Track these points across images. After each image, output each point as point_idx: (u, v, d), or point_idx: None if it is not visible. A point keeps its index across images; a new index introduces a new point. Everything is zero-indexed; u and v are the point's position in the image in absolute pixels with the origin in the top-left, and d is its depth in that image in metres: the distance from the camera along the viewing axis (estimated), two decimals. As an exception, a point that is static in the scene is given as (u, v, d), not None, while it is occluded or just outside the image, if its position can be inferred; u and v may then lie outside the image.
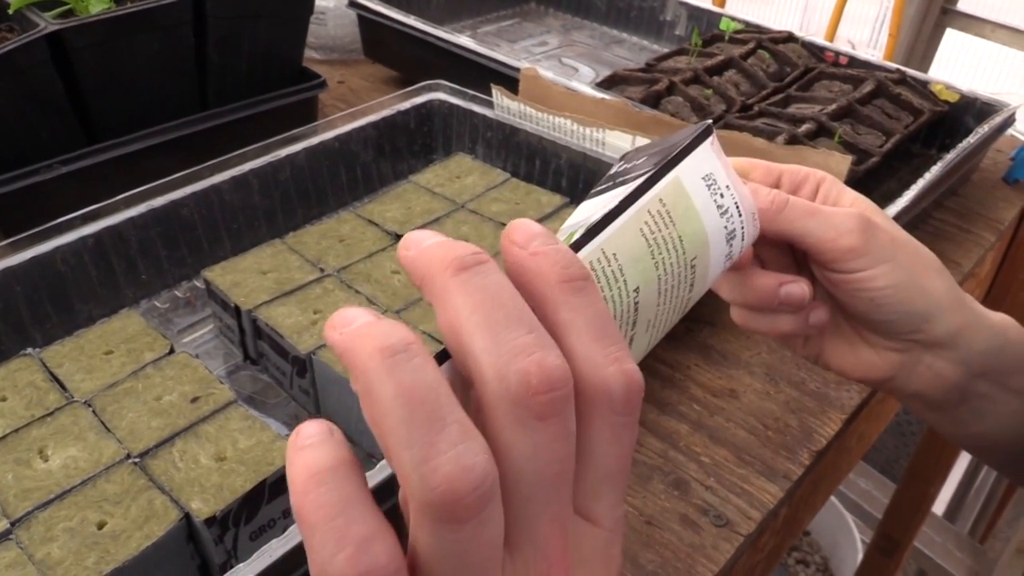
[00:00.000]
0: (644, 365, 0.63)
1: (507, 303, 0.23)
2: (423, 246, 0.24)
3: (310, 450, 0.21)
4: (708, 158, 0.32)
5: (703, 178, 0.32)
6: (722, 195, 0.33)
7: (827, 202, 0.44)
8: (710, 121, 0.33)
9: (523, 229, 0.25)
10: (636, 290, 0.29)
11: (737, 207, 0.33)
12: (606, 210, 0.29)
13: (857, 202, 0.44)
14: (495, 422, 0.22)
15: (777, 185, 0.44)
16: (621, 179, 0.32)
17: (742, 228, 0.33)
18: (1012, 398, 0.46)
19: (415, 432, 0.20)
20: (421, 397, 0.21)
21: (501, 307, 0.22)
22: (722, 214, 0.32)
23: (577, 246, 0.28)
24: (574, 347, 0.23)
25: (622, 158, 0.36)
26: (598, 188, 0.33)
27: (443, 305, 0.23)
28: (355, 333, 0.22)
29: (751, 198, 0.34)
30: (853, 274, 0.42)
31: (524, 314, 0.23)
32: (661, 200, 0.30)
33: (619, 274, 0.28)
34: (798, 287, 0.43)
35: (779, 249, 0.45)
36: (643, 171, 0.31)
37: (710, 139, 0.33)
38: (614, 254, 0.28)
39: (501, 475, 0.22)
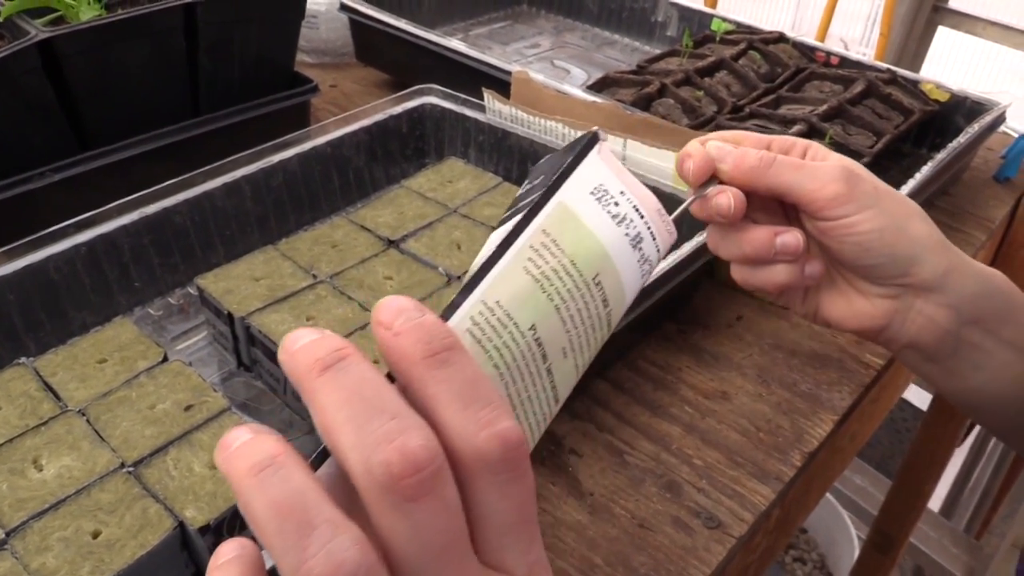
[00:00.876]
0: (635, 367, 0.64)
1: (368, 395, 0.23)
2: (294, 349, 0.24)
3: (219, 571, 0.23)
4: (596, 169, 0.32)
5: (592, 192, 0.31)
6: (617, 203, 0.32)
7: (815, 160, 0.47)
8: (596, 128, 0.33)
9: (387, 308, 0.25)
10: (532, 328, 0.28)
11: (637, 210, 0.32)
12: (485, 257, 0.28)
13: (842, 159, 0.46)
14: (372, 510, 0.23)
15: (767, 150, 0.47)
16: (521, 203, 0.31)
17: (648, 229, 0.32)
18: (1004, 349, 0.47)
19: (288, 540, 0.22)
20: (289, 507, 0.22)
21: (362, 400, 0.23)
22: (619, 222, 0.31)
23: (455, 305, 0.27)
24: (444, 420, 0.24)
25: (528, 176, 0.35)
26: (505, 215, 0.32)
27: (313, 407, 0.24)
28: (231, 456, 0.23)
29: (652, 196, 0.33)
30: (840, 220, 0.45)
31: (386, 402, 0.23)
32: (544, 231, 0.29)
33: (507, 320, 0.28)
34: (792, 236, 0.46)
35: (771, 209, 0.48)
36: (532, 197, 0.30)
37: (597, 147, 0.32)
38: (497, 302, 0.28)
39: (390, 556, 0.23)
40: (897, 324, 0.47)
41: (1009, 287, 0.48)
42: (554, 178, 0.31)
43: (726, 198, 0.44)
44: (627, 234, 0.31)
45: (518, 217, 0.30)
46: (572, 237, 0.30)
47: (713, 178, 0.46)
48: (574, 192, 0.31)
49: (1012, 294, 0.48)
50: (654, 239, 0.32)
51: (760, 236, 0.46)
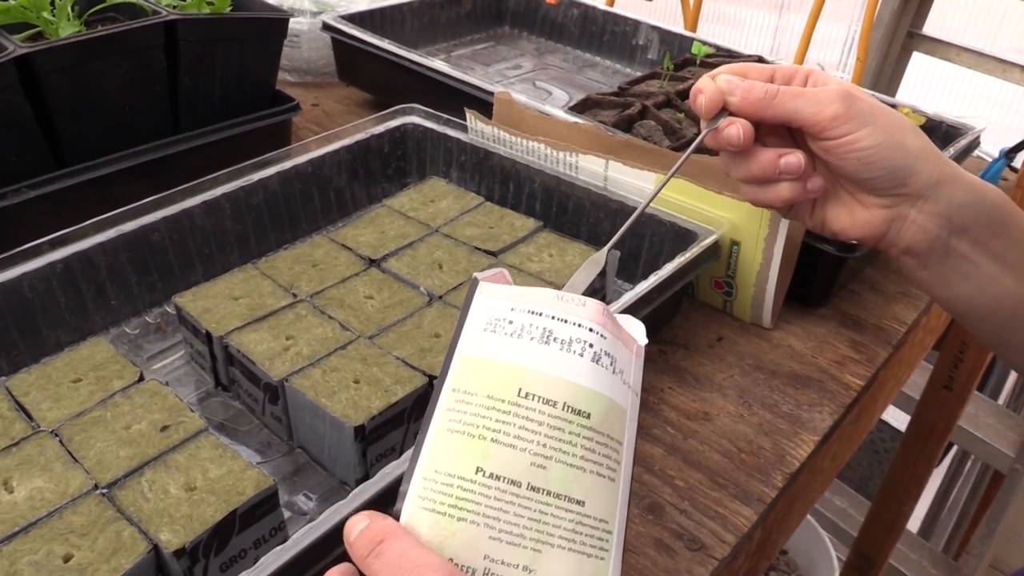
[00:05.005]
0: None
1: None
2: None
3: None
4: (483, 308, 0.34)
5: (485, 328, 0.33)
6: (511, 321, 0.33)
7: (815, 87, 0.51)
8: (475, 275, 0.35)
9: (345, 530, 0.32)
10: (479, 470, 0.30)
11: (533, 313, 0.33)
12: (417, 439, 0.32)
13: (840, 83, 0.51)
14: None
15: (771, 81, 0.51)
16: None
17: (554, 319, 0.33)
18: (990, 263, 0.51)
19: None
20: None
21: None
22: (519, 335, 0.32)
23: (404, 490, 0.31)
24: None
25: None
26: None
27: None
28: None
29: (546, 291, 0.34)
30: (841, 139, 0.49)
31: None
32: (454, 389, 0.32)
33: (450, 479, 0.30)
34: (794, 156, 0.51)
35: (778, 132, 0.53)
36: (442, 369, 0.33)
37: (478, 290, 0.34)
38: (435, 471, 0.30)
39: None
40: (894, 231, 0.51)
41: (1002, 200, 0.51)
42: (451, 341, 0.34)
43: (736, 129, 0.50)
44: (532, 337, 0.32)
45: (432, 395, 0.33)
46: (479, 377, 0.32)
47: (724, 110, 0.51)
48: (469, 340, 0.33)
49: (1005, 208, 0.51)
50: (566, 322, 0.33)
51: (766, 159, 0.51)
